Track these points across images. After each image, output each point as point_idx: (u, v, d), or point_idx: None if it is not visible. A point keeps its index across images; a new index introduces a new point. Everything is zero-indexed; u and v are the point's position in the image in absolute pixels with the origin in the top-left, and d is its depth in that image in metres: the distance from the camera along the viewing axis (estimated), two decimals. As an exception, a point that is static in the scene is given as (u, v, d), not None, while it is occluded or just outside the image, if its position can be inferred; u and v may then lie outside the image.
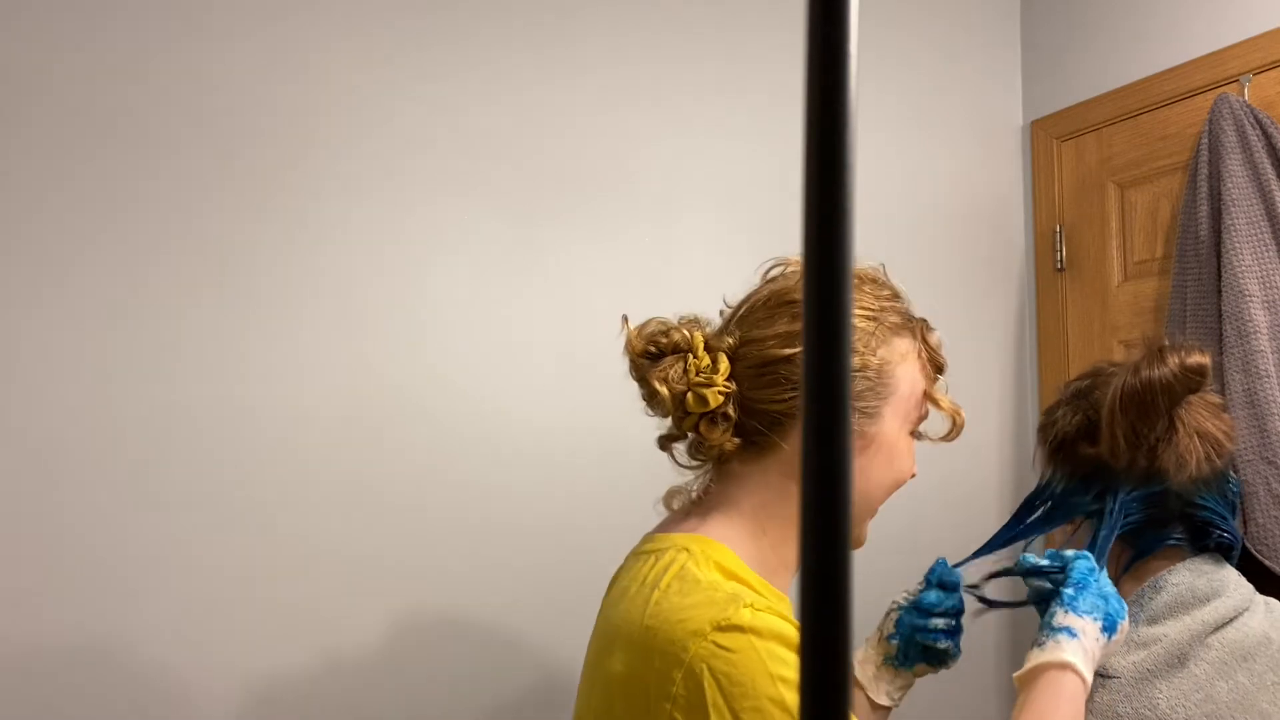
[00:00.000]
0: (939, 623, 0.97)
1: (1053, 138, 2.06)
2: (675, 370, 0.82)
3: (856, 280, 0.86)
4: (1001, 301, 2.06)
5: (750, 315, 0.86)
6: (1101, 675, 0.90)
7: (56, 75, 1.23)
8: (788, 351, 0.81)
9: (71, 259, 1.22)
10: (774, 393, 0.81)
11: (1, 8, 1.20)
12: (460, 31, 1.51)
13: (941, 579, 1.00)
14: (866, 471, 0.85)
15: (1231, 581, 0.97)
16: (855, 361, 0.81)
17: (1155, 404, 0.94)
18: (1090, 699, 0.89)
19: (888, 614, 1.03)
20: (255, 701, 1.27)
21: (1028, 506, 1.07)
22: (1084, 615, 0.82)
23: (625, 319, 0.86)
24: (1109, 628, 0.83)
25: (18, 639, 1.15)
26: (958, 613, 0.99)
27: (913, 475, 0.90)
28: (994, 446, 2.01)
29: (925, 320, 0.89)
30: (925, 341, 0.87)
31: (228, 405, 1.29)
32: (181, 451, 1.26)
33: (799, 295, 0.82)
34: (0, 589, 1.14)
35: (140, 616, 1.21)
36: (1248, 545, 1.48)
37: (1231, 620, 0.93)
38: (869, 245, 2.08)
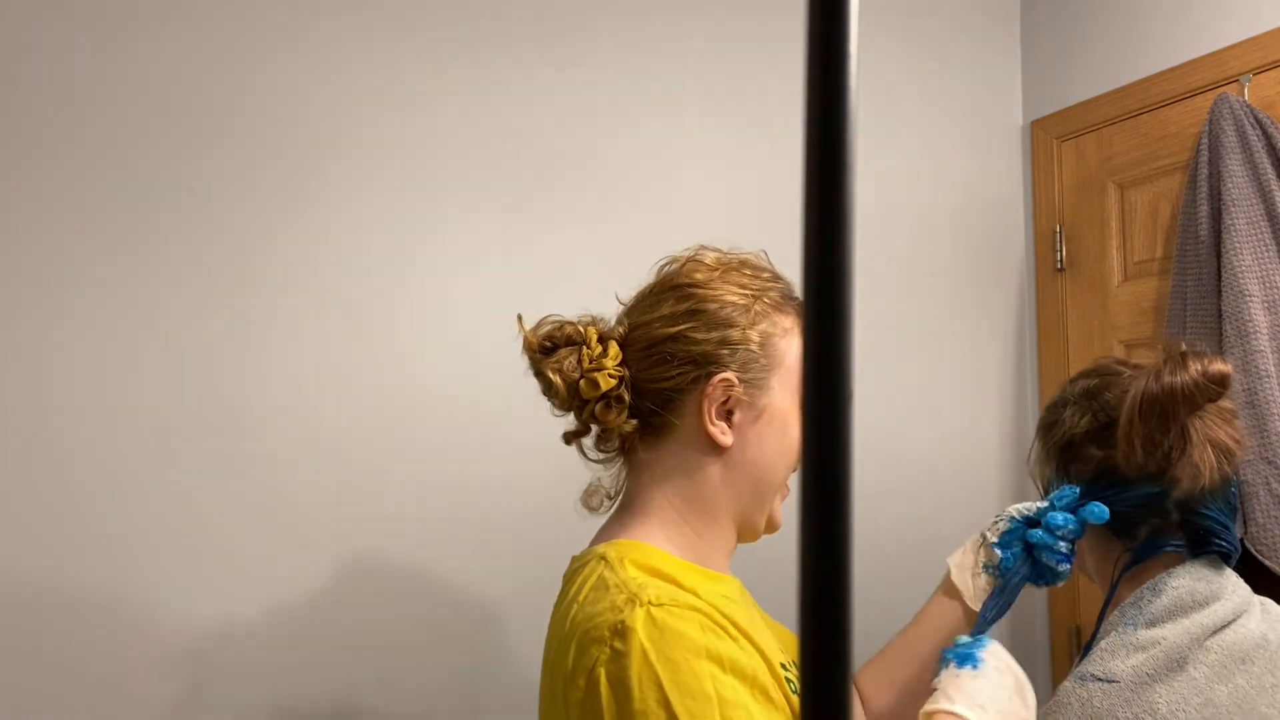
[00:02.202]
0: (1064, 546, 0.98)
1: (1053, 138, 2.06)
2: (569, 361, 0.86)
3: (734, 263, 0.90)
4: (1001, 301, 2.06)
5: (639, 303, 0.90)
6: (1100, 679, 0.90)
7: (48, 74, 1.23)
8: (671, 330, 0.85)
9: (84, 260, 1.22)
10: (662, 370, 0.85)
11: (23, 12, 1.20)
12: (462, 35, 1.51)
13: (1070, 505, 1.00)
14: (760, 443, 0.87)
15: (1230, 585, 0.96)
16: (735, 335, 0.85)
17: (1175, 412, 0.92)
18: (1090, 703, 0.89)
19: (995, 522, 1.03)
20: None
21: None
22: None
23: (520, 318, 0.90)
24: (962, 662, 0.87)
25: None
26: (1076, 539, 0.99)
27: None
28: (994, 446, 2.01)
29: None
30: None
31: (228, 402, 1.29)
32: (185, 450, 1.26)
33: (684, 280, 0.87)
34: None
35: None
36: (1247, 545, 1.48)
37: (1229, 623, 0.92)
38: (869, 245, 2.09)
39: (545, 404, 1.52)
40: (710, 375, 0.84)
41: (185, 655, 1.24)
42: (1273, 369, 1.53)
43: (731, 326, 0.85)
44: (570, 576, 0.86)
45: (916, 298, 1.93)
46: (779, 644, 0.87)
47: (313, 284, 1.37)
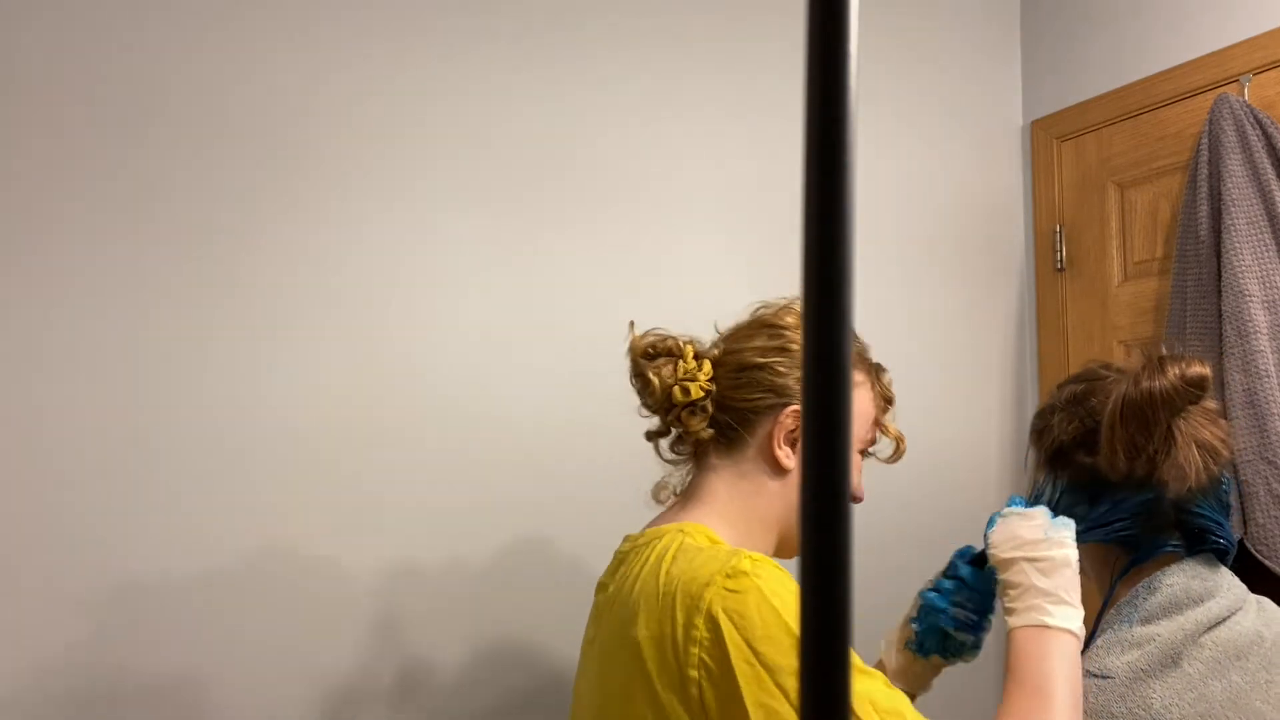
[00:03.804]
0: (957, 611, 1.01)
1: (1053, 138, 2.06)
2: (667, 369, 0.97)
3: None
4: (1001, 301, 2.06)
5: (735, 334, 1.01)
6: (1095, 675, 0.90)
7: (65, 79, 1.23)
8: (761, 360, 0.96)
9: (80, 260, 1.22)
10: (745, 392, 0.96)
11: (21, 8, 1.20)
12: (463, 39, 1.51)
13: (966, 566, 1.03)
14: None
15: (1225, 583, 0.97)
16: None
17: (1155, 416, 0.93)
18: (1085, 699, 0.89)
19: (915, 596, 1.07)
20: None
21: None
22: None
23: (632, 324, 1.01)
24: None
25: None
26: (981, 605, 1.01)
27: (858, 499, 0.98)
28: (994, 446, 2.01)
29: (880, 364, 1.04)
30: (878, 378, 1.02)
31: (240, 399, 1.29)
32: (191, 445, 1.26)
33: (777, 321, 0.97)
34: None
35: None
36: (1247, 545, 1.48)
37: (1224, 620, 0.93)
38: (869, 245, 2.09)
39: (543, 401, 1.53)
40: (785, 405, 0.94)
41: (185, 656, 1.24)
42: (1273, 369, 1.53)
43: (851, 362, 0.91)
44: (637, 551, 0.92)
45: (916, 298, 1.93)
46: None
47: (308, 283, 1.37)
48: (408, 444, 1.40)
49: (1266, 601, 0.99)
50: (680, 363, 0.97)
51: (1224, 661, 0.90)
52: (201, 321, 1.29)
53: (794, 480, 0.94)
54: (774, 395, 0.95)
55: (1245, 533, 1.49)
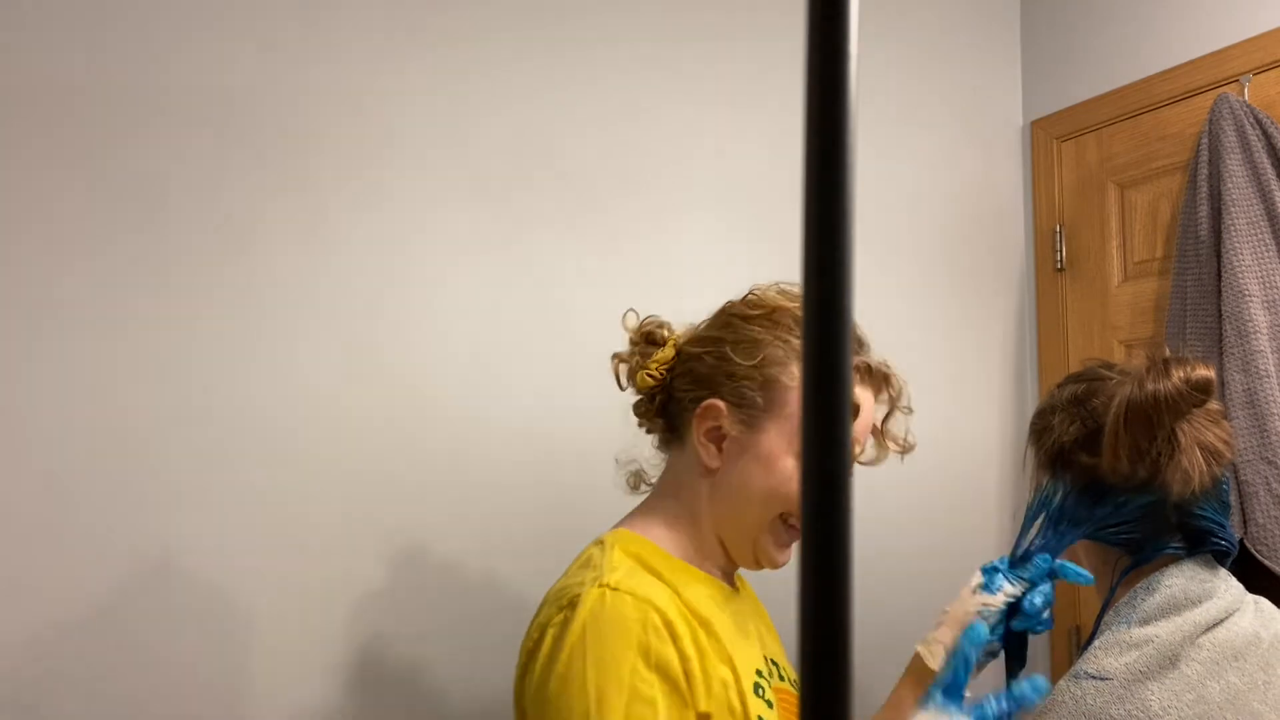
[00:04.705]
0: (1046, 614, 0.94)
1: (1053, 138, 2.06)
2: (636, 357, 0.96)
3: (787, 309, 0.92)
4: (1001, 301, 2.06)
5: (698, 324, 0.99)
6: (1093, 677, 0.90)
7: (57, 78, 1.23)
8: (696, 350, 0.92)
9: (74, 260, 1.22)
10: (682, 383, 0.93)
11: (22, 9, 1.20)
12: (462, 35, 1.50)
13: (1043, 575, 0.95)
14: (743, 476, 0.90)
15: (1223, 584, 0.96)
16: (739, 370, 0.89)
17: (1160, 420, 0.92)
18: (1083, 700, 0.89)
19: (979, 613, 0.95)
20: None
21: (1029, 522, 1.04)
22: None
23: (628, 314, 1.00)
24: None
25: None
26: (1050, 604, 0.95)
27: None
28: (994, 446, 2.01)
29: (886, 371, 0.96)
30: (884, 385, 0.94)
31: (231, 398, 1.29)
32: (187, 440, 1.26)
33: (732, 310, 0.93)
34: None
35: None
36: (1247, 545, 1.48)
37: (1222, 621, 0.93)
38: (869, 245, 2.09)
39: (542, 401, 1.53)
40: (704, 399, 0.90)
41: (186, 658, 1.24)
42: (1273, 369, 1.53)
43: (739, 361, 0.89)
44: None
45: (916, 297, 1.93)
46: (767, 655, 0.91)
47: (307, 283, 1.37)
48: (401, 443, 1.40)
49: (1264, 602, 0.99)
50: (656, 349, 0.95)
51: (1222, 663, 0.90)
52: (191, 324, 1.29)
53: (722, 481, 0.91)
54: (697, 387, 0.91)
55: (1245, 533, 1.49)
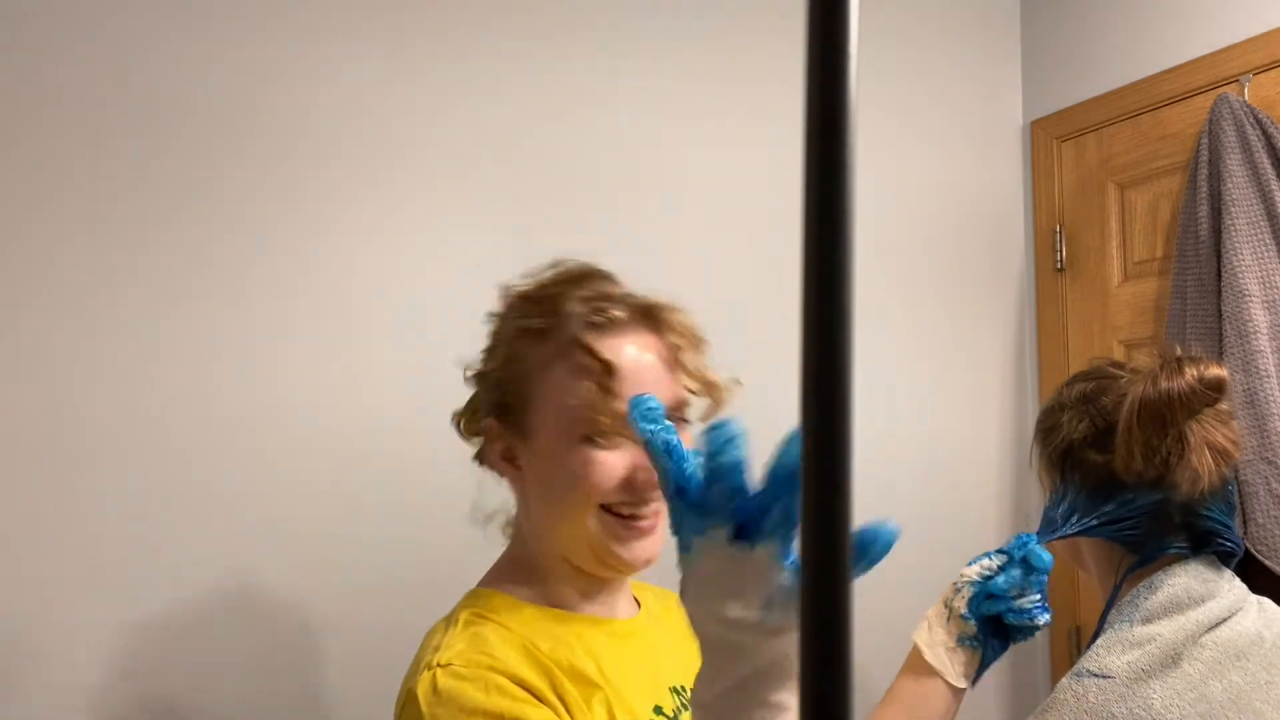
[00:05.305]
0: (1024, 602, 0.97)
1: (1053, 138, 2.06)
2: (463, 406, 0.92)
3: (514, 300, 0.87)
4: (1001, 301, 2.06)
5: None
6: (1096, 675, 0.90)
7: (48, 76, 1.23)
8: (475, 380, 0.88)
9: (65, 257, 1.22)
10: (475, 419, 0.89)
11: (28, 16, 1.20)
12: (460, 31, 1.50)
13: (1026, 557, 0.99)
14: (539, 482, 0.83)
15: (1226, 584, 0.96)
16: (489, 379, 0.85)
17: (1173, 418, 0.92)
18: (1085, 698, 0.89)
19: (957, 591, 1.01)
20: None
21: (1049, 523, 1.04)
22: None
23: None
24: None
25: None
26: (1040, 589, 0.98)
27: (608, 486, 0.78)
28: (994, 446, 2.01)
29: (668, 305, 0.86)
30: (578, 342, 0.78)
31: (220, 401, 1.29)
32: (173, 443, 1.26)
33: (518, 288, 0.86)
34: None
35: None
36: (1248, 545, 1.48)
37: (1225, 620, 0.93)
38: (869, 245, 2.08)
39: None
40: (483, 423, 0.85)
41: (191, 658, 1.24)
42: (1273, 369, 1.53)
43: (488, 370, 0.86)
44: None
45: (916, 298, 1.93)
46: (674, 685, 0.84)
47: (310, 286, 1.37)
48: (402, 443, 1.40)
49: (1267, 602, 0.99)
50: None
51: (1224, 662, 0.89)
52: (203, 326, 1.29)
53: (531, 495, 0.83)
54: (479, 418, 0.86)
55: (1245, 532, 1.49)
